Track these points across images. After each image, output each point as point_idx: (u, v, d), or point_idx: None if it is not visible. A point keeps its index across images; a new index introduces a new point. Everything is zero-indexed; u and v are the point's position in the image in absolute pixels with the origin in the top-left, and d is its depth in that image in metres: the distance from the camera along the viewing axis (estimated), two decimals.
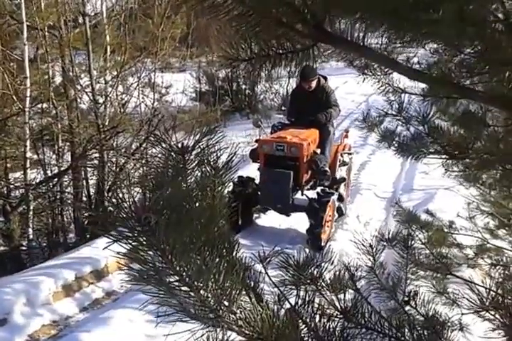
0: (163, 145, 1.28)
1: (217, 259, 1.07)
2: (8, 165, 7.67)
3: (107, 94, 8.40)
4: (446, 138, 2.56)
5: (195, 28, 14.01)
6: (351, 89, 17.42)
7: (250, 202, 7.30)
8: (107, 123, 8.12)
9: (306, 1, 1.26)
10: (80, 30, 8.52)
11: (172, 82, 14.44)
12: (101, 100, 8.30)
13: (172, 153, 1.28)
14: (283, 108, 15.13)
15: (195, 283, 1.03)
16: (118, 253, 1.03)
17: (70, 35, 8.12)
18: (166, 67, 15.99)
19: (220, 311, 1.06)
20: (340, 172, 7.81)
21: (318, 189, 7.29)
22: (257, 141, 7.40)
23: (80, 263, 5.83)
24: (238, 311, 1.09)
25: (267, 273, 1.44)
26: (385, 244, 2.35)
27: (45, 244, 7.58)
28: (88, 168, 8.33)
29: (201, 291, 1.03)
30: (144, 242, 1.00)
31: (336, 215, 7.52)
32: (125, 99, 9.01)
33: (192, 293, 1.03)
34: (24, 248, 7.34)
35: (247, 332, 1.07)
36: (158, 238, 0.99)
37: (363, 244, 1.93)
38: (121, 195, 1.06)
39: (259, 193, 7.17)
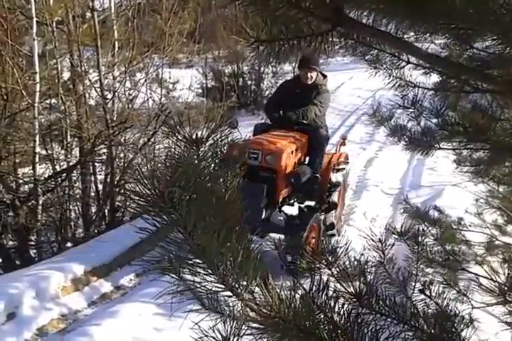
0: (178, 136, 1.30)
1: (236, 239, 1.08)
2: (17, 160, 7.71)
3: (115, 89, 8.40)
4: (468, 119, 2.56)
5: (202, 24, 13.98)
6: (357, 85, 17.40)
7: None
8: (115, 119, 8.14)
9: None
10: (89, 26, 8.52)
11: (179, 77, 14.45)
12: (109, 96, 8.30)
13: (186, 144, 1.30)
14: None
15: (215, 260, 1.04)
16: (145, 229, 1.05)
17: (79, 31, 8.13)
18: (174, 63, 15.99)
19: (239, 289, 1.07)
20: (332, 197, 6.57)
21: (303, 205, 6.35)
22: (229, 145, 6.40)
23: (89, 258, 5.85)
24: (256, 289, 1.10)
25: (282, 259, 1.46)
26: (394, 239, 2.35)
27: (53, 239, 7.61)
28: (96, 163, 8.35)
29: (220, 269, 1.05)
30: (166, 218, 1.01)
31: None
32: (133, 95, 9.00)
33: (210, 270, 1.05)
34: (33, 242, 7.38)
35: (264, 310, 1.08)
36: (181, 214, 1.00)
37: (372, 239, 1.91)
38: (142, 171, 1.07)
39: None
